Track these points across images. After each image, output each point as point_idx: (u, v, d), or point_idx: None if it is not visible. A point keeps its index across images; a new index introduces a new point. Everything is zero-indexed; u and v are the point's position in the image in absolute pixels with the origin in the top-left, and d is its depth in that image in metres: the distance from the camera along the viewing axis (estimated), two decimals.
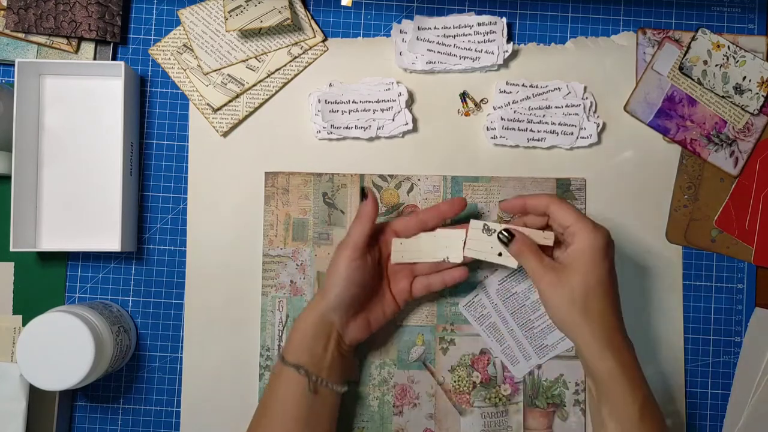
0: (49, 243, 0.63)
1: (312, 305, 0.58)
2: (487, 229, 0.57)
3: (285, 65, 0.65)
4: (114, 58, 0.65)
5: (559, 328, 0.55)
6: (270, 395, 0.57)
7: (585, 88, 0.65)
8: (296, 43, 0.65)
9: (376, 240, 0.60)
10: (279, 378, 0.57)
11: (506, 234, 0.55)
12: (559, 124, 0.64)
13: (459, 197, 0.61)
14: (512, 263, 0.56)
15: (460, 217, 0.61)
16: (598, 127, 0.65)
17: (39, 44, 0.64)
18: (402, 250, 0.60)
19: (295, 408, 0.55)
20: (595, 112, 0.65)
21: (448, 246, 0.59)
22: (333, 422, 0.59)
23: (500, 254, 0.57)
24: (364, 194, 0.57)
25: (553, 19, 0.67)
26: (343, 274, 0.56)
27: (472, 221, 0.58)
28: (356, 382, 0.64)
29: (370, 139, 0.65)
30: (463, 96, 0.66)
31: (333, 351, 0.57)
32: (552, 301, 0.53)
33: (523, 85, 0.65)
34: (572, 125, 0.64)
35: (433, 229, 0.60)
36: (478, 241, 0.58)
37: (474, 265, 0.64)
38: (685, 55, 0.65)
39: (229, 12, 0.63)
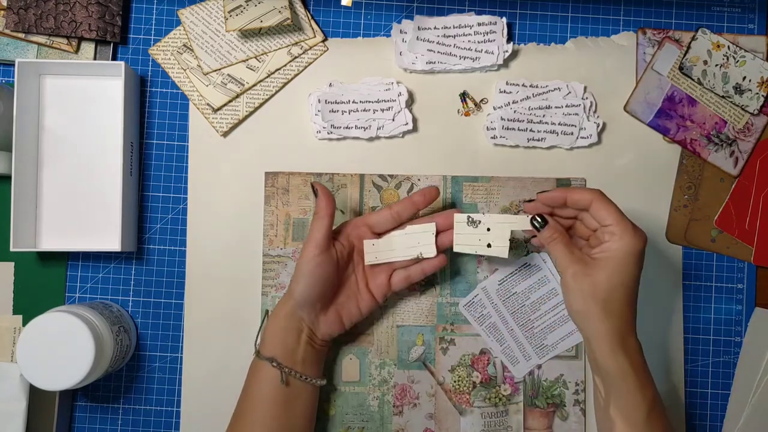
0: (49, 243, 0.63)
1: (282, 301, 0.58)
2: (471, 222, 0.57)
3: (285, 65, 0.65)
4: (114, 58, 0.65)
5: (573, 318, 0.54)
6: (246, 390, 0.58)
7: (585, 88, 0.65)
8: (296, 43, 0.65)
9: (348, 235, 0.60)
10: (255, 373, 0.57)
11: (540, 220, 0.55)
12: (559, 124, 0.64)
13: (431, 186, 0.61)
14: (503, 253, 0.56)
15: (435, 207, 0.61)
16: (598, 127, 0.65)
17: (39, 44, 0.64)
18: (375, 251, 0.60)
19: (270, 401, 0.56)
20: (595, 112, 0.65)
21: (420, 242, 0.59)
22: (311, 416, 0.59)
23: (489, 245, 0.57)
24: (315, 191, 0.58)
25: (553, 19, 0.67)
26: (305, 270, 0.56)
27: (456, 215, 0.57)
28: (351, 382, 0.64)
29: (370, 139, 0.65)
30: (463, 96, 0.66)
31: (305, 345, 0.58)
32: (574, 290, 0.52)
33: (523, 85, 0.65)
34: (572, 125, 0.64)
35: (408, 220, 0.60)
36: (464, 235, 0.57)
37: (474, 266, 0.64)
38: (685, 55, 0.65)
39: (229, 12, 0.63)
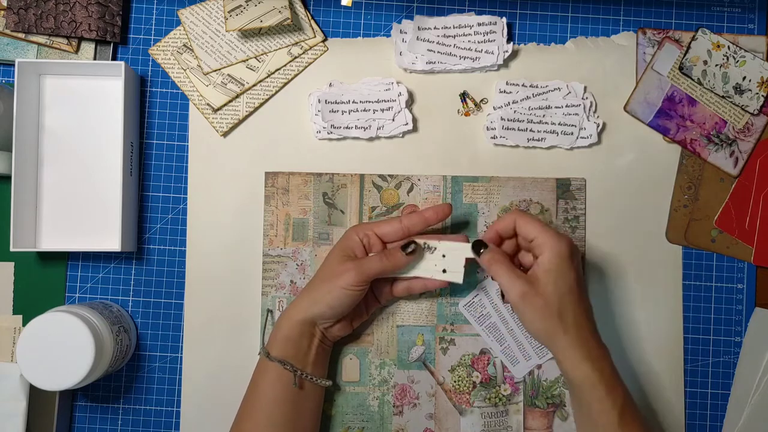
0: (49, 243, 0.63)
1: (300, 307, 0.58)
2: (428, 248, 0.58)
3: (285, 65, 0.65)
4: (114, 58, 0.65)
5: (535, 338, 0.55)
6: (254, 390, 0.58)
7: (585, 88, 0.65)
8: (296, 43, 0.65)
9: (359, 242, 0.59)
10: (263, 373, 0.57)
11: (478, 245, 0.56)
12: (559, 124, 0.64)
13: (445, 203, 0.61)
14: (457, 279, 0.57)
15: (449, 224, 0.61)
16: (598, 127, 0.65)
17: (39, 44, 0.64)
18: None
19: (280, 402, 0.56)
20: (595, 112, 0.65)
21: (447, 263, 0.58)
22: (317, 415, 0.60)
23: (444, 271, 0.57)
24: (411, 251, 0.56)
25: (553, 19, 0.67)
26: (336, 299, 0.56)
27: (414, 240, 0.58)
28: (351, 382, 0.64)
29: (370, 139, 0.65)
30: (463, 96, 0.66)
31: (317, 347, 0.58)
32: (526, 311, 0.53)
33: (523, 85, 0.65)
34: (572, 125, 0.64)
35: (416, 234, 0.59)
36: (421, 261, 0.58)
37: (474, 266, 0.64)
38: (685, 55, 0.65)
39: (229, 12, 0.63)
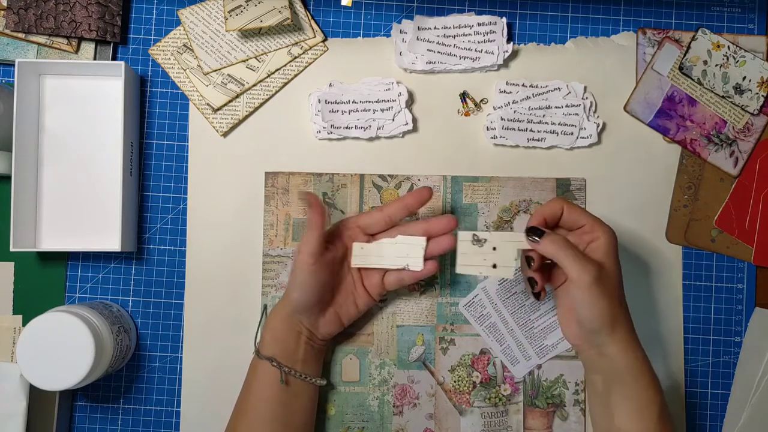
0: (49, 243, 0.63)
1: (280, 303, 0.58)
2: (477, 240, 0.54)
3: (285, 65, 0.65)
4: (114, 58, 0.65)
5: (592, 324, 0.51)
6: (247, 388, 0.58)
7: (585, 88, 0.65)
8: (296, 43, 0.65)
9: (340, 236, 0.59)
10: (255, 372, 0.58)
11: (536, 232, 0.52)
12: (559, 124, 0.64)
13: (424, 187, 0.59)
14: (508, 274, 0.54)
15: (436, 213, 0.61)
16: (598, 127, 0.65)
17: (39, 44, 0.64)
18: (362, 255, 0.58)
19: (270, 400, 0.56)
20: (595, 112, 0.65)
21: (408, 254, 0.57)
22: (310, 415, 0.59)
23: (494, 266, 0.54)
24: (308, 203, 0.56)
25: (553, 19, 0.67)
26: (300, 279, 0.55)
27: (461, 233, 0.55)
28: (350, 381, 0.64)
29: (370, 139, 0.65)
30: (463, 96, 0.66)
31: (305, 344, 0.58)
32: (595, 294, 0.50)
33: (523, 85, 0.65)
34: (572, 125, 0.64)
35: (400, 221, 0.59)
36: (469, 255, 0.54)
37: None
38: (685, 55, 0.65)
39: (229, 12, 0.63)
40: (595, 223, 0.53)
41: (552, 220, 0.54)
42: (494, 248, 0.54)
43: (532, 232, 0.52)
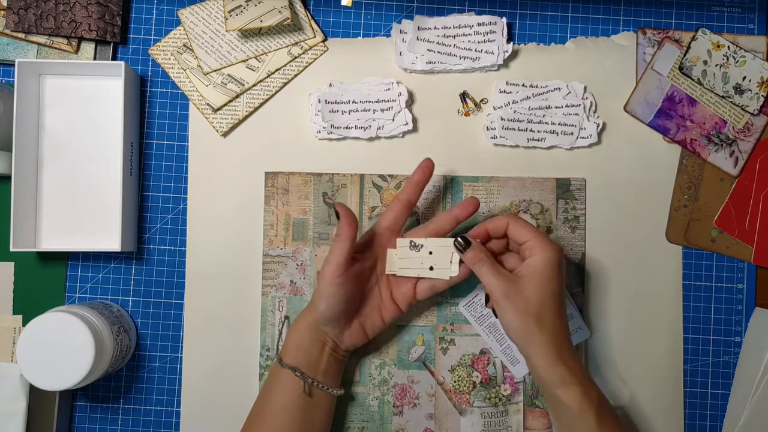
0: (49, 243, 0.63)
1: (305, 313, 0.58)
2: (414, 246, 0.57)
3: (285, 65, 0.65)
4: (114, 58, 0.65)
5: (512, 338, 0.55)
6: (267, 395, 0.58)
7: (585, 88, 0.65)
8: (296, 43, 0.65)
9: (370, 243, 0.59)
10: (276, 379, 0.57)
11: (462, 242, 0.55)
12: (559, 124, 0.64)
13: (426, 159, 0.60)
14: (444, 275, 0.57)
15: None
16: (598, 127, 0.65)
17: (39, 44, 0.64)
18: (397, 262, 0.59)
19: (290, 409, 0.56)
20: (595, 112, 0.65)
21: (442, 259, 0.57)
22: (328, 424, 0.59)
23: (431, 268, 0.57)
24: (337, 214, 0.56)
25: (553, 19, 0.67)
26: (326, 292, 0.55)
27: (399, 240, 0.58)
28: (351, 382, 0.64)
29: (370, 139, 0.65)
30: (463, 96, 0.66)
31: (329, 356, 0.58)
32: (508, 309, 0.53)
33: (523, 85, 0.65)
34: (572, 125, 0.64)
35: (415, 203, 0.59)
36: (407, 259, 0.58)
37: None
38: (685, 55, 0.65)
39: (229, 12, 0.63)
40: (537, 240, 0.54)
41: (496, 233, 0.57)
42: (430, 252, 0.57)
43: (460, 240, 0.55)
